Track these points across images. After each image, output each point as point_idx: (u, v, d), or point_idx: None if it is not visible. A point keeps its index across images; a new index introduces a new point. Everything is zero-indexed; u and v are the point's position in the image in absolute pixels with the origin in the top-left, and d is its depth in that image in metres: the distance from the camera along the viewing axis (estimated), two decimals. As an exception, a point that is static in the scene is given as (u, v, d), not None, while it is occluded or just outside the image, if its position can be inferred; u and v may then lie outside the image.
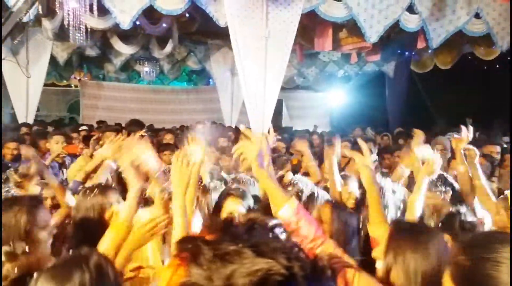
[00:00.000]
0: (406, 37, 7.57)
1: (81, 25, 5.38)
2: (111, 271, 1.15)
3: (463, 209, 2.26)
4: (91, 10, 5.27)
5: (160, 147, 5.02)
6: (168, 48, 8.26)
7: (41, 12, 3.17)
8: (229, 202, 2.11)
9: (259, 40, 5.69)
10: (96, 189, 2.07)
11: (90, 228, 1.97)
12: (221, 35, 8.08)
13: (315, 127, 9.69)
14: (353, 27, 6.66)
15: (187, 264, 0.59)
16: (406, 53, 9.71)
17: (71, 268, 1.11)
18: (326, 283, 0.56)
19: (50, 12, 3.28)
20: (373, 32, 6.29)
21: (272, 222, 0.64)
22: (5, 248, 1.38)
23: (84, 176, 2.71)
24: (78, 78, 12.26)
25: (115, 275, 1.16)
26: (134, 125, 5.45)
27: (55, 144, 4.39)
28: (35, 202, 1.71)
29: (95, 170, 2.70)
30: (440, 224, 2.18)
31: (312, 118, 11.45)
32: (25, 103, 7.68)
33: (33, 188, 2.72)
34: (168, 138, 6.06)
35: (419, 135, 3.01)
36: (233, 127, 8.72)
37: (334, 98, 12.56)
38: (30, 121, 7.60)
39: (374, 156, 4.62)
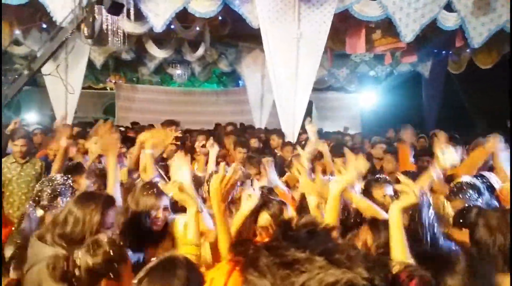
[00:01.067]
0: (443, 36, 7.33)
1: (119, 30, 5.56)
2: (199, 270, 1.27)
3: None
4: (128, 15, 5.44)
5: (195, 148, 5.11)
6: (200, 51, 8.40)
7: (86, 35, 3.31)
8: (265, 214, 2.07)
9: (291, 41, 5.67)
10: (154, 188, 2.15)
11: (139, 225, 2.07)
12: (252, 38, 8.13)
13: (345, 129, 9.54)
14: (387, 27, 6.51)
15: (243, 269, 0.56)
16: (443, 52, 9.39)
17: (173, 267, 1.21)
18: None
19: (94, 35, 3.42)
20: (408, 31, 6.13)
21: (330, 226, 0.59)
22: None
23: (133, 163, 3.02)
24: (114, 81, 12.68)
25: (201, 274, 1.26)
26: (169, 124, 5.60)
27: (94, 144, 4.56)
28: (109, 202, 1.80)
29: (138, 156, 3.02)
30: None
31: (342, 120, 11.26)
32: (64, 105, 8.01)
33: (84, 182, 2.92)
34: (201, 139, 6.16)
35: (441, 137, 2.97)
36: (263, 128, 8.74)
37: (366, 99, 12.24)
38: (69, 122, 7.91)
39: (411, 158, 4.49)
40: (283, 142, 5.51)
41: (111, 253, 1.41)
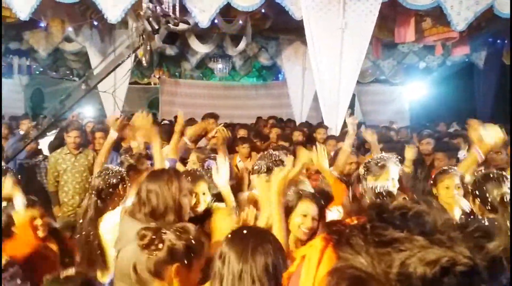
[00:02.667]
0: (499, 24, 6.83)
1: (164, 5, 5.65)
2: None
3: None
4: (173, 11, 5.53)
5: (237, 141, 5.16)
6: (242, 45, 8.40)
7: (145, 64, 3.47)
8: (303, 205, 2.13)
9: (335, 32, 5.52)
10: (188, 176, 2.21)
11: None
12: (293, 31, 8.02)
13: (390, 123, 9.22)
14: (438, 16, 6.16)
15: (337, 246, 0.57)
16: (498, 41, 8.77)
17: (262, 237, 1.27)
18: (505, 275, 0.51)
19: (151, 62, 3.59)
20: (461, 20, 5.76)
21: (422, 209, 0.59)
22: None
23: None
24: (158, 76, 13.06)
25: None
26: (210, 117, 5.73)
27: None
28: (177, 173, 1.96)
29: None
30: None
31: (387, 114, 10.87)
32: (113, 101, 8.33)
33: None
34: (242, 133, 6.21)
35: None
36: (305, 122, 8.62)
37: (414, 91, 11.59)
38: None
39: (465, 153, 4.25)
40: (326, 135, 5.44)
41: (193, 242, 1.48)
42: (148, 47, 3.34)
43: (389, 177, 2.49)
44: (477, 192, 2.11)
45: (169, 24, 3.28)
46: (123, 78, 4.87)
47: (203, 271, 1.55)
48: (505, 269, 0.50)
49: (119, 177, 2.48)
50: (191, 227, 1.55)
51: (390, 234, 0.53)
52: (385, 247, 0.51)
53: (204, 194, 2.25)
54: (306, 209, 2.08)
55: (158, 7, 3.27)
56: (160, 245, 1.45)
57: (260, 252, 1.18)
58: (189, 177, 2.19)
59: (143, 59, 3.39)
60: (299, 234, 2.02)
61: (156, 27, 3.14)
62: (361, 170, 2.66)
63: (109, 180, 2.42)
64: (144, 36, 3.26)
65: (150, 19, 3.15)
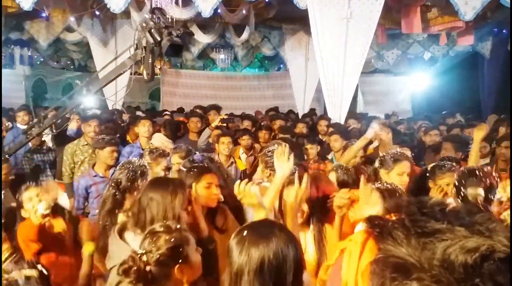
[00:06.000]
0: (505, 14, 6.76)
1: (167, 15, 5.62)
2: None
3: None
4: (176, 1, 5.49)
5: (239, 132, 5.14)
6: (245, 35, 8.32)
7: (145, 78, 3.42)
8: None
9: (340, 22, 5.46)
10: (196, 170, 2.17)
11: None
12: (297, 20, 7.95)
13: (393, 114, 9.18)
14: (444, 5, 6.09)
15: (378, 239, 0.59)
16: (504, 31, 8.68)
17: (271, 227, 1.21)
18: None
19: (154, 77, 3.55)
20: (468, 9, 5.70)
21: (457, 207, 0.62)
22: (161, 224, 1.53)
23: None
24: (159, 66, 12.98)
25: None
26: (213, 109, 5.72)
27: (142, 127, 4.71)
28: (182, 186, 1.85)
29: None
30: None
31: (389, 104, 10.82)
32: (114, 91, 8.29)
33: (159, 171, 3.07)
34: (246, 124, 6.18)
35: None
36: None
37: (417, 82, 11.49)
38: (118, 107, 8.20)
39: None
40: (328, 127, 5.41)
41: (172, 240, 1.41)
42: (150, 60, 3.29)
43: (401, 172, 2.50)
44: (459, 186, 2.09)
45: (171, 36, 3.23)
46: (123, 89, 4.89)
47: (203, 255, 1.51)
48: None
49: (140, 171, 2.45)
50: (159, 228, 1.47)
51: (432, 226, 0.56)
52: (427, 237, 0.55)
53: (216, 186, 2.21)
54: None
55: (161, 18, 3.22)
56: (148, 267, 1.36)
57: (257, 246, 1.14)
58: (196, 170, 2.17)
59: (145, 73, 3.36)
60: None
61: (159, 39, 3.09)
62: (376, 163, 2.67)
63: (129, 174, 2.41)
64: (146, 49, 3.23)
65: (152, 30, 3.09)
